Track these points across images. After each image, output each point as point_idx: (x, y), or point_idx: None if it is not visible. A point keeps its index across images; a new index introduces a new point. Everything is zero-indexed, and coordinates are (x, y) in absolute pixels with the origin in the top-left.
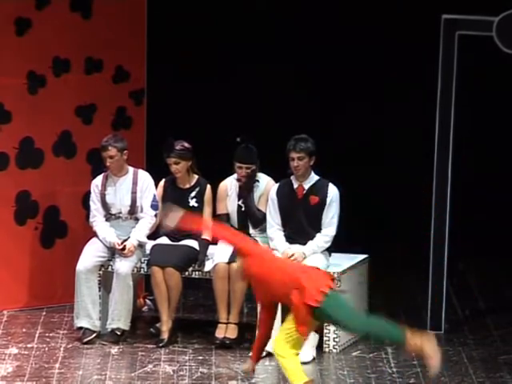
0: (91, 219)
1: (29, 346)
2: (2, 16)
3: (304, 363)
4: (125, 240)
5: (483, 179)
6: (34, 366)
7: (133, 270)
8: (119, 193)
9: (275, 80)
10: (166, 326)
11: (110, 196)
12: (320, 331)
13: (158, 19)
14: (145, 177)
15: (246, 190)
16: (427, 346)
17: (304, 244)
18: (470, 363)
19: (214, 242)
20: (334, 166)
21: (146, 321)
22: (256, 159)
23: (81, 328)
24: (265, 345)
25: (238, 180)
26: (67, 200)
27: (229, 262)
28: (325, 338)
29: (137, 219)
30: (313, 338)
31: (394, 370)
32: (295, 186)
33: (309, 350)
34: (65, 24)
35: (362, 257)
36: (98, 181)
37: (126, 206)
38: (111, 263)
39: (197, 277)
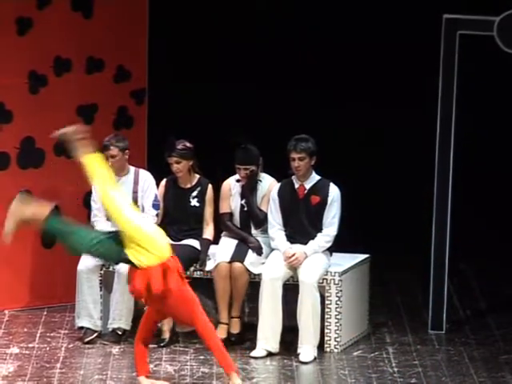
0: (92, 219)
1: (30, 345)
2: (3, 16)
3: (305, 363)
4: None
5: (484, 179)
6: (35, 366)
7: None
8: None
9: (276, 79)
10: (167, 326)
11: None
12: (321, 331)
13: (159, 19)
14: (146, 176)
15: (248, 190)
16: None
17: (305, 244)
18: (472, 363)
19: (215, 242)
20: (335, 166)
21: None
22: (255, 160)
23: (82, 328)
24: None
25: (238, 181)
26: (69, 199)
27: (230, 262)
28: (326, 338)
29: None
30: (314, 337)
31: (395, 369)
32: (296, 185)
33: (310, 350)
34: (66, 24)
35: (363, 256)
36: None
37: None
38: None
39: (198, 276)
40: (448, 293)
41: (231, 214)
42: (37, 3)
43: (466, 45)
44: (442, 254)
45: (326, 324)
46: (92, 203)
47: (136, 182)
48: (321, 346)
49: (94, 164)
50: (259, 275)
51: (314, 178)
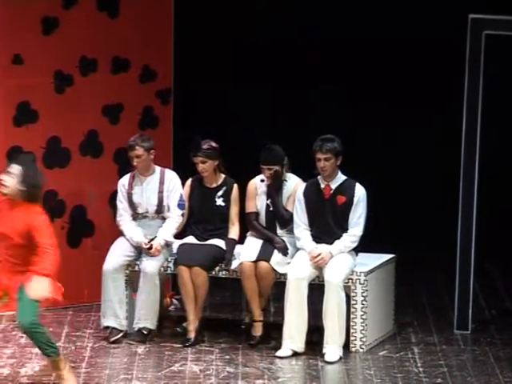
0: (118, 218)
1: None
2: (29, 15)
3: (330, 363)
4: (152, 239)
5: (511, 178)
6: None
7: (160, 270)
8: (146, 192)
9: (302, 79)
10: (192, 326)
11: (137, 195)
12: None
13: (185, 18)
14: (172, 176)
15: (274, 190)
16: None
17: (331, 244)
18: (497, 363)
19: (241, 241)
20: (361, 166)
21: (172, 320)
22: (280, 160)
23: (107, 327)
24: None
25: (262, 181)
26: (94, 199)
27: (256, 261)
28: (351, 338)
29: (164, 218)
30: (339, 337)
31: (421, 369)
32: (322, 186)
33: (335, 350)
34: (92, 23)
35: (388, 256)
36: (124, 180)
37: (152, 205)
38: (138, 262)
39: (223, 276)
40: (474, 293)
41: (257, 214)
42: (63, 3)
43: (492, 45)
44: (468, 254)
45: (352, 324)
46: (118, 203)
47: (162, 182)
48: (346, 346)
49: None
50: (285, 275)
51: (340, 178)
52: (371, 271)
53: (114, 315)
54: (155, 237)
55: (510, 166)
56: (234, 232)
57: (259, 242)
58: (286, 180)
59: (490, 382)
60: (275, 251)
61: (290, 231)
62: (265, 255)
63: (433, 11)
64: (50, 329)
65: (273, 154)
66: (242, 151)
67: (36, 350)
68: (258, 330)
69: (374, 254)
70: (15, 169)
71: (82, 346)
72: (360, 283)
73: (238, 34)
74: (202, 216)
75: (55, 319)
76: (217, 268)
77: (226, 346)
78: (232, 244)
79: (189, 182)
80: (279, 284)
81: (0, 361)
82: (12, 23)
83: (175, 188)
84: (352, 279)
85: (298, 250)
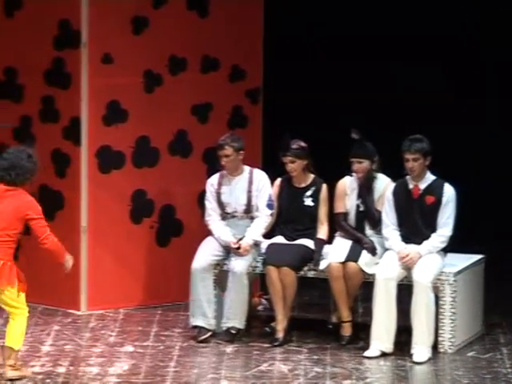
0: (207, 218)
1: (144, 344)
2: (119, 15)
3: (419, 363)
4: (240, 239)
5: None
6: (149, 365)
7: (248, 269)
8: (235, 192)
9: (391, 78)
10: (281, 325)
11: (226, 195)
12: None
13: (275, 17)
14: (261, 176)
15: (365, 189)
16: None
17: (419, 244)
18: None
19: (329, 241)
20: (451, 165)
21: (261, 320)
22: (371, 155)
23: (196, 327)
24: None
25: (351, 175)
26: (183, 199)
27: (343, 262)
28: (440, 339)
29: (252, 218)
30: (428, 338)
31: (510, 370)
32: (411, 186)
33: (424, 350)
34: (181, 23)
35: (477, 257)
36: (213, 180)
37: (241, 205)
38: (226, 262)
39: (312, 276)
40: None
41: (346, 214)
42: (153, 2)
43: None
44: None
45: (440, 324)
46: (206, 203)
47: (250, 182)
48: (435, 347)
49: None
50: (373, 275)
51: (429, 178)
52: (460, 272)
53: (202, 315)
54: (244, 236)
55: None
56: (322, 232)
57: (348, 243)
58: (375, 177)
59: None
60: (364, 252)
61: (379, 231)
62: (353, 256)
63: None
64: (139, 328)
65: (364, 147)
66: (331, 151)
67: (125, 349)
68: (347, 331)
69: (462, 255)
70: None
71: (170, 345)
72: (449, 284)
73: (328, 32)
74: (291, 216)
75: (144, 318)
76: (305, 268)
77: (315, 346)
78: (321, 244)
79: (278, 181)
80: (367, 284)
81: (89, 359)
82: (102, 23)
83: (264, 188)
84: (441, 280)
85: (386, 250)
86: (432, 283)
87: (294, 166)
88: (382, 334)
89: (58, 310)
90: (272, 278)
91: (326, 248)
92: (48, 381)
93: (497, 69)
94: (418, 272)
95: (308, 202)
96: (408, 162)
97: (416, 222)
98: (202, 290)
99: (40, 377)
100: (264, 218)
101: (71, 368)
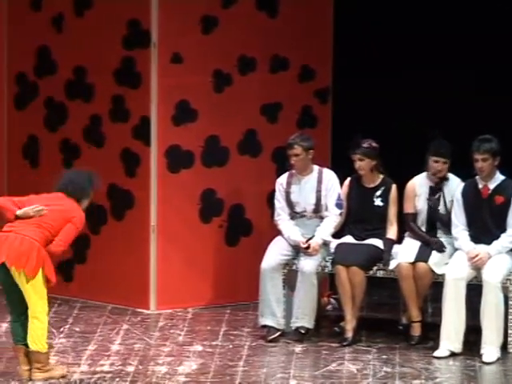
0: (276, 218)
1: (213, 343)
2: (188, 15)
3: (488, 363)
4: (309, 238)
5: None
6: (218, 364)
7: (317, 269)
8: (304, 191)
9: (462, 78)
10: (350, 325)
11: (295, 194)
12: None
13: (344, 17)
14: (330, 175)
15: (437, 189)
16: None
17: (489, 244)
18: None
19: (399, 242)
20: None
21: (330, 319)
22: (448, 154)
23: (265, 326)
24: None
25: (434, 174)
26: (252, 198)
27: (413, 262)
28: (509, 339)
29: (321, 218)
30: (497, 338)
31: None
32: (480, 186)
33: (493, 351)
34: (251, 22)
35: None
36: (282, 179)
37: (310, 204)
38: (296, 262)
39: (381, 276)
40: None
41: (415, 215)
42: (222, 2)
43: None
44: None
45: (510, 325)
46: (276, 202)
47: (320, 181)
48: (504, 347)
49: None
50: (442, 275)
51: (498, 178)
52: None
53: (271, 314)
54: (313, 236)
55: None
56: (392, 232)
57: (417, 243)
58: (447, 178)
59: None
60: (433, 252)
61: (448, 232)
62: (423, 256)
63: None
64: (208, 327)
65: (446, 146)
66: (401, 152)
67: (194, 348)
68: (416, 331)
69: None
70: None
71: (239, 344)
72: None
73: (398, 31)
74: (361, 216)
75: (213, 318)
76: (374, 267)
77: (384, 346)
78: (390, 244)
79: (347, 181)
80: (437, 284)
81: (158, 359)
82: (172, 22)
83: (333, 187)
84: (510, 280)
85: (456, 250)
86: (501, 283)
87: (362, 164)
88: (452, 334)
89: (127, 309)
90: (341, 278)
91: (396, 248)
92: (117, 379)
93: None
94: (487, 272)
95: (378, 202)
96: (477, 163)
97: (485, 222)
98: (272, 290)
99: (109, 375)
100: (333, 217)
101: (140, 367)
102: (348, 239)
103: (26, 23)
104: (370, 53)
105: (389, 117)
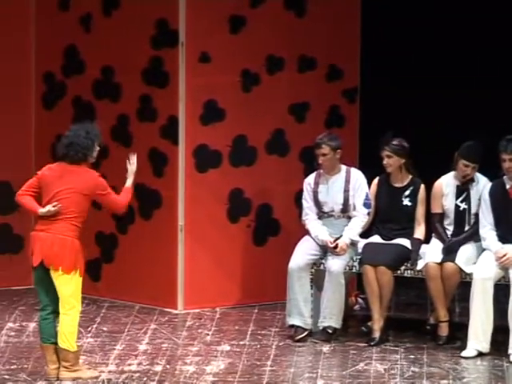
0: (303, 217)
1: (241, 343)
2: (217, 14)
3: None
4: (337, 238)
5: None
6: (245, 364)
7: (345, 269)
8: (332, 191)
9: (491, 78)
10: (377, 325)
11: (323, 194)
12: None
13: (371, 16)
14: (357, 175)
15: (464, 189)
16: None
17: None
18: None
19: (427, 241)
20: None
21: (357, 319)
22: (478, 158)
23: (293, 326)
24: None
25: (462, 177)
26: (280, 198)
27: (441, 263)
28: None
29: (349, 217)
30: None
31: None
32: (507, 186)
33: None
34: (279, 22)
35: None
36: (310, 179)
37: (338, 204)
38: (323, 261)
39: (409, 276)
40: None
41: (442, 215)
42: (250, 2)
43: None
44: None
45: None
46: (303, 202)
47: (347, 181)
48: None
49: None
50: (470, 275)
51: None
52: None
53: (299, 314)
54: (340, 236)
55: None
56: (419, 232)
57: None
58: (473, 180)
59: None
60: (460, 250)
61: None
62: (450, 256)
63: None
64: (236, 327)
65: (478, 150)
66: (429, 151)
67: (222, 348)
68: (444, 331)
69: None
70: None
71: (267, 344)
72: None
73: (425, 31)
74: (389, 215)
75: (240, 317)
76: (402, 267)
77: (411, 346)
78: (418, 244)
79: (375, 180)
80: (465, 284)
81: (186, 358)
82: (200, 21)
83: (361, 187)
84: None
85: (483, 249)
86: None
87: (390, 161)
88: (479, 334)
89: (154, 309)
90: (368, 278)
91: (423, 248)
92: (145, 379)
93: None
94: None
95: (406, 201)
96: (505, 163)
97: None
98: (299, 290)
99: (137, 375)
100: (361, 217)
101: (168, 366)
102: (376, 239)
103: (53, 23)
104: (397, 52)
105: (417, 116)
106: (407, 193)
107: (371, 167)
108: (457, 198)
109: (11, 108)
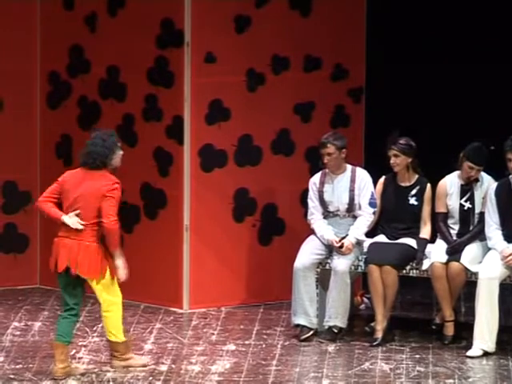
0: (309, 217)
1: (246, 342)
2: (222, 14)
3: None
4: (343, 238)
5: None
6: (251, 363)
7: (350, 268)
8: (337, 190)
9: (499, 75)
10: (380, 325)
11: (328, 194)
12: None
13: (377, 15)
14: (363, 175)
15: (469, 188)
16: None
17: None
18: None
19: (432, 241)
20: None
21: (363, 319)
22: (484, 161)
23: (298, 325)
24: None
25: (467, 178)
26: (285, 197)
27: (446, 262)
28: None
29: (355, 217)
30: None
31: None
32: None
33: None
34: (284, 22)
35: None
36: (316, 178)
37: (343, 203)
38: (329, 261)
39: (414, 275)
40: None
41: (446, 214)
42: (255, 1)
43: None
44: None
45: None
46: (309, 201)
47: (353, 180)
48: None
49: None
50: (475, 274)
51: None
52: None
53: (304, 313)
54: (346, 235)
55: None
56: (425, 231)
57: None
58: (478, 180)
59: None
60: (465, 250)
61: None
62: (455, 256)
63: None
64: (241, 326)
65: (482, 153)
66: (434, 151)
67: (227, 347)
68: (449, 330)
69: None
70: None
71: (272, 343)
72: None
73: (431, 32)
74: (395, 215)
75: (246, 317)
76: (407, 267)
77: (417, 346)
78: (423, 243)
79: (382, 180)
80: (470, 284)
81: (191, 358)
82: (205, 21)
83: (366, 186)
84: None
85: (489, 249)
86: None
87: (397, 160)
88: (485, 334)
89: (160, 308)
90: (373, 277)
91: (429, 247)
92: (150, 378)
93: None
94: None
95: (412, 201)
96: (510, 162)
97: None
98: (305, 289)
99: (142, 374)
100: (367, 216)
101: (173, 366)
102: (381, 238)
103: (59, 22)
104: (403, 52)
105: (422, 116)
106: (414, 192)
107: (376, 166)
108: (461, 198)
109: (16, 108)
